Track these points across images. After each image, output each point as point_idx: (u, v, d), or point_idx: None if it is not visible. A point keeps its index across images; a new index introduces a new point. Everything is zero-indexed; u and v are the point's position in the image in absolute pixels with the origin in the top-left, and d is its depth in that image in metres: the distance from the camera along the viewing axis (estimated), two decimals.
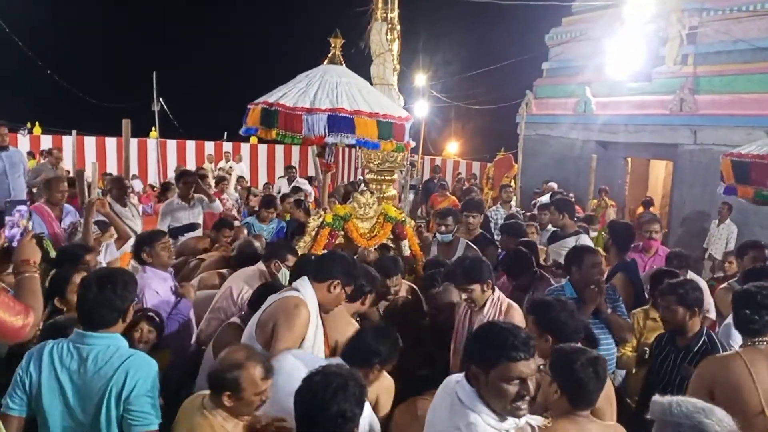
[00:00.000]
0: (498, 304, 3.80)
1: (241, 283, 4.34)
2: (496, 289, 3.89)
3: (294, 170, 13.04)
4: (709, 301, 5.31)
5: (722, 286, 5.44)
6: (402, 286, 4.62)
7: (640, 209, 13.33)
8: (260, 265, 4.59)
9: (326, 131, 4.69)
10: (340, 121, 4.70)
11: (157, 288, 4.19)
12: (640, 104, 13.34)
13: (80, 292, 2.72)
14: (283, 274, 4.46)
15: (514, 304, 3.90)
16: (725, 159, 6.23)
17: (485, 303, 3.78)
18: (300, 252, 4.89)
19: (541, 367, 2.73)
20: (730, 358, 3.14)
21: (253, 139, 21.12)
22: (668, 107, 12.67)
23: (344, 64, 5.34)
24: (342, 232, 5.11)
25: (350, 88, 4.92)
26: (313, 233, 5.05)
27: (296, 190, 9.30)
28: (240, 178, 14.51)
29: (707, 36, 12.46)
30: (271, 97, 4.86)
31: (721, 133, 11.82)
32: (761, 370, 3.00)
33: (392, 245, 5.51)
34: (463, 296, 3.79)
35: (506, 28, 19.46)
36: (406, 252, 5.47)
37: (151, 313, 3.79)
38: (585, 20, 15.16)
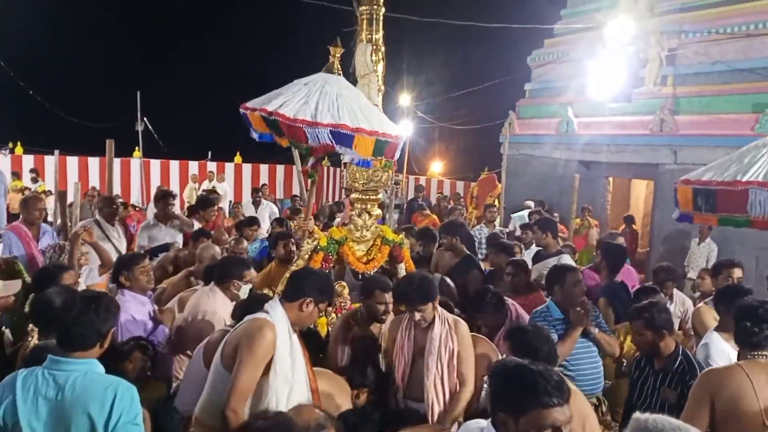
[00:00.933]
0: (446, 320, 3.79)
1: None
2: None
3: (260, 194, 12.63)
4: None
5: (698, 305, 5.48)
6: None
7: (622, 226, 13.46)
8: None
9: (333, 142, 4.63)
10: (342, 138, 4.64)
11: (134, 312, 4.13)
12: (621, 125, 13.51)
13: (61, 310, 2.69)
14: (244, 292, 4.36)
15: (460, 319, 3.90)
16: (684, 186, 6.09)
17: (434, 320, 3.76)
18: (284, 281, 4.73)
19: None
20: (731, 370, 3.11)
21: (237, 159, 21.16)
22: (649, 127, 12.85)
23: (342, 74, 5.28)
24: (335, 257, 4.96)
25: (350, 102, 4.83)
26: (306, 257, 4.90)
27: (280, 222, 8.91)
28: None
29: (686, 57, 12.68)
30: (270, 105, 4.73)
31: (700, 152, 11.97)
32: (761, 383, 2.99)
33: (387, 266, 5.40)
34: (417, 316, 3.74)
35: (489, 50, 19.69)
36: (402, 274, 5.28)
37: (143, 342, 3.75)
38: (567, 42, 15.38)
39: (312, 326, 4.09)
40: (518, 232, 8.78)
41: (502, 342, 3.66)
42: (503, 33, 14.54)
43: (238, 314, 3.71)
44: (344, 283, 5.19)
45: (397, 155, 5.17)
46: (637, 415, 2.05)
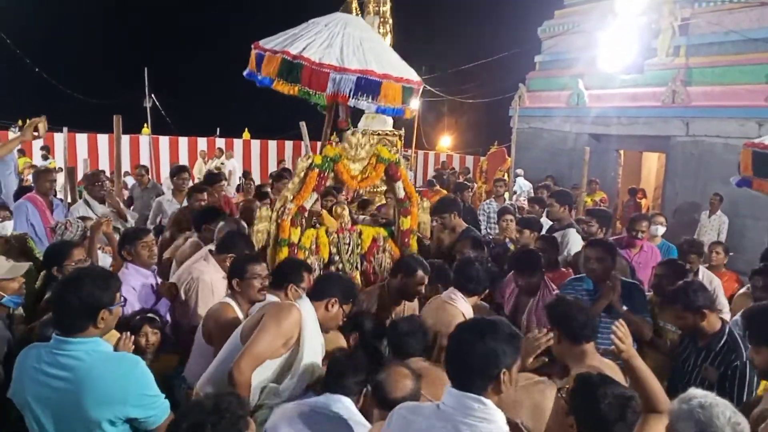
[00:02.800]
0: None
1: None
2: None
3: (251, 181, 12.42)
4: (722, 301, 5.27)
5: (739, 293, 5.35)
6: None
7: (626, 197, 13.41)
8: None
9: (351, 93, 4.55)
10: (368, 84, 4.56)
11: (134, 284, 4.12)
12: (633, 96, 13.35)
13: (51, 296, 2.64)
14: None
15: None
16: (746, 149, 5.90)
17: None
18: (286, 196, 4.70)
19: (561, 394, 2.52)
20: None
21: (246, 135, 21.15)
22: (660, 99, 12.69)
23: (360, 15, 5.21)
24: (332, 174, 4.83)
25: (374, 46, 4.74)
26: (302, 175, 4.75)
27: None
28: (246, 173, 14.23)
29: (699, 27, 12.46)
30: (292, 48, 4.60)
31: (713, 124, 11.84)
32: None
33: (385, 186, 5.32)
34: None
35: (499, 22, 19.47)
36: (401, 194, 5.21)
37: (150, 315, 3.76)
38: (577, 13, 15.15)
39: None
40: (523, 200, 8.70)
41: (541, 311, 3.64)
42: (513, 4, 14.37)
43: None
44: (344, 205, 5.20)
45: (416, 103, 5.19)
46: (684, 396, 1.98)
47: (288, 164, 16.61)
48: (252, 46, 5.07)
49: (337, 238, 4.88)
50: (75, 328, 2.48)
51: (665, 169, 13.34)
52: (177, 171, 7.45)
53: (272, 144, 20.58)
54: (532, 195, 9.98)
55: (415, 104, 5.27)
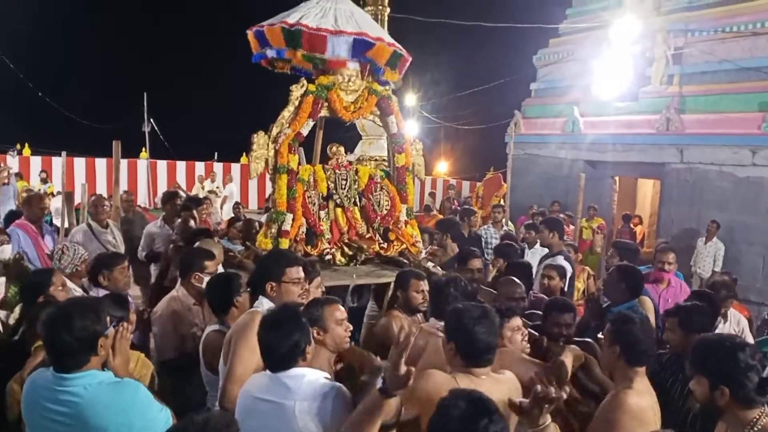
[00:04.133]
0: None
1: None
2: None
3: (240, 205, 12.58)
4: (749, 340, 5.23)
5: None
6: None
7: (621, 224, 13.46)
8: (175, 292, 4.19)
9: (349, 54, 4.70)
10: (364, 45, 4.74)
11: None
12: (628, 124, 13.47)
13: (41, 334, 2.53)
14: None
15: None
16: None
17: None
18: (282, 122, 4.73)
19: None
20: None
21: (244, 159, 21.19)
22: (655, 126, 12.81)
23: None
24: (326, 103, 4.90)
25: (365, 17, 4.97)
26: (297, 102, 4.81)
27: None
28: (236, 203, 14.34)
29: (692, 56, 12.64)
30: (289, 18, 4.78)
31: (707, 151, 11.95)
32: None
33: (379, 123, 5.32)
34: None
35: (494, 49, 19.69)
36: (393, 129, 5.24)
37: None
38: (572, 41, 15.34)
39: None
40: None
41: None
42: (508, 32, 14.55)
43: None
44: (339, 145, 5.24)
45: (403, 72, 5.32)
46: None
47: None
48: (247, 32, 5.21)
49: (334, 174, 4.96)
50: (76, 365, 2.44)
51: (660, 196, 13.42)
52: (168, 198, 7.47)
53: None
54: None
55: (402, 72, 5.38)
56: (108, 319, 2.57)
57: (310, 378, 2.66)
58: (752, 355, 2.51)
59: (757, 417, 2.45)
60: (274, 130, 4.72)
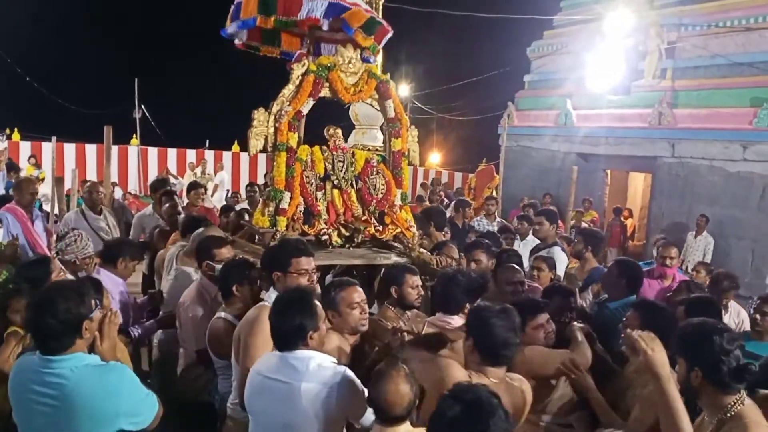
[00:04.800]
0: None
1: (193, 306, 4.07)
2: None
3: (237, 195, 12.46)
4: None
5: None
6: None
7: (611, 217, 13.53)
8: (197, 282, 4.22)
9: (323, 15, 4.66)
10: (338, 9, 4.70)
11: (109, 288, 4.02)
12: (620, 117, 13.51)
13: (26, 318, 2.55)
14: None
15: None
16: None
17: None
18: (282, 99, 4.74)
19: None
20: None
21: (236, 147, 21.09)
22: (647, 120, 12.85)
23: None
24: (327, 83, 4.91)
25: None
26: (298, 81, 4.82)
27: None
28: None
29: (685, 51, 12.67)
30: None
31: (698, 146, 12.00)
32: None
33: (377, 107, 5.33)
34: None
35: (488, 41, 19.66)
36: (391, 114, 5.25)
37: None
38: (566, 34, 15.34)
39: None
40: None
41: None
42: (503, 24, 14.54)
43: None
44: (336, 127, 5.21)
45: (382, 43, 5.25)
46: None
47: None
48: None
49: (332, 156, 4.97)
50: (61, 348, 2.45)
51: (651, 190, 13.49)
52: (158, 185, 7.43)
53: (262, 157, 20.57)
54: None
55: (381, 44, 5.29)
56: (93, 302, 2.58)
57: (318, 361, 2.69)
58: (729, 340, 2.52)
59: (732, 403, 2.46)
60: (275, 108, 4.71)
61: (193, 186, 7.63)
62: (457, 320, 3.59)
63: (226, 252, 4.15)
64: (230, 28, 5.09)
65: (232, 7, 5.09)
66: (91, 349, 2.59)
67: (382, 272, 4.35)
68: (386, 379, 2.51)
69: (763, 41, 11.44)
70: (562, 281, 5.55)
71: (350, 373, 2.71)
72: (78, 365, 2.44)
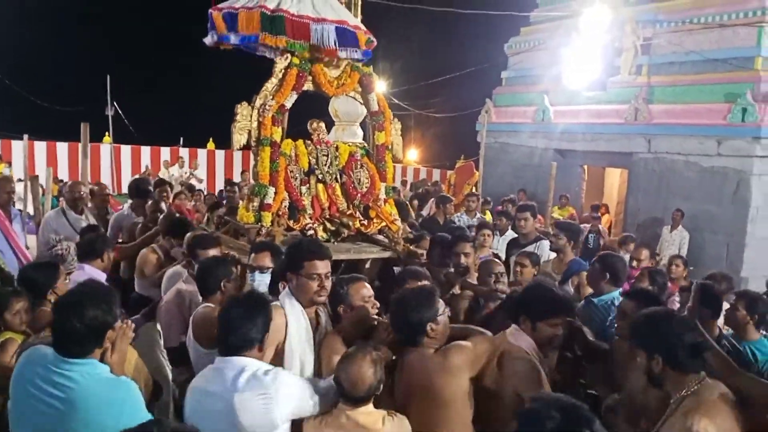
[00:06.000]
0: None
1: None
2: None
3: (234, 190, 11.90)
4: None
5: None
6: None
7: (589, 213, 13.61)
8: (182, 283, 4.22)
9: (336, 44, 4.68)
10: (347, 34, 4.72)
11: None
12: (597, 113, 13.61)
13: (53, 318, 2.50)
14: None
15: None
16: None
17: None
18: (266, 93, 4.70)
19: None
20: None
21: (210, 145, 20.91)
22: (623, 116, 12.96)
23: None
24: (310, 77, 4.91)
25: (334, 2, 4.94)
26: (281, 75, 4.79)
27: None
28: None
29: (661, 47, 12.80)
30: (267, 3, 4.73)
31: (674, 141, 12.13)
32: None
33: (360, 101, 5.35)
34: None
35: (466, 37, 19.70)
36: (374, 107, 5.28)
37: None
38: (543, 30, 15.41)
39: None
40: None
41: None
42: (480, 20, 14.55)
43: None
44: (319, 121, 5.20)
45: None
46: None
47: (251, 177, 16.46)
48: (210, 11, 5.08)
49: (316, 150, 4.96)
50: (81, 353, 2.42)
51: (627, 185, 13.61)
52: (141, 184, 7.26)
53: (237, 155, 20.41)
54: None
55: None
56: (119, 311, 2.57)
57: (252, 370, 2.63)
58: (682, 324, 2.66)
59: (692, 382, 2.56)
60: (258, 102, 4.68)
61: (158, 184, 7.54)
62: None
63: (213, 253, 4.09)
64: (232, 38, 4.97)
65: (218, 12, 4.95)
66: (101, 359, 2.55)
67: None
68: (351, 361, 2.69)
69: (736, 38, 11.58)
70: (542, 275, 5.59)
71: (285, 376, 2.68)
72: (90, 372, 2.41)
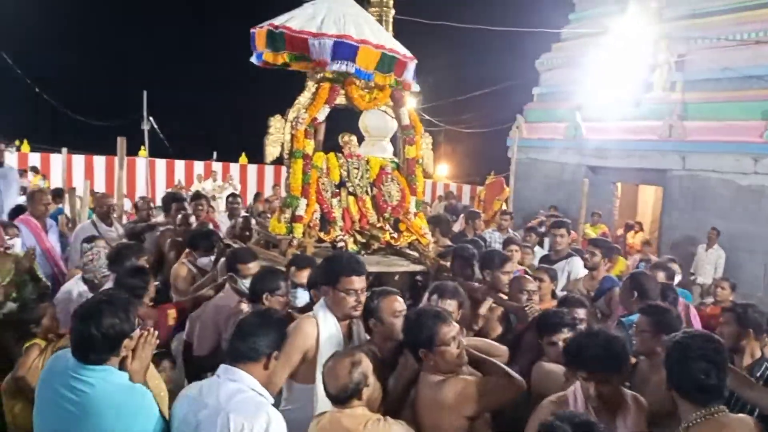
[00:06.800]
0: None
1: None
2: None
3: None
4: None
5: None
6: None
7: (620, 231, 13.43)
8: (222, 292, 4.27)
9: (330, 57, 4.65)
10: (346, 49, 4.67)
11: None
12: (630, 129, 13.46)
13: (72, 326, 2.54)
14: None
15: None
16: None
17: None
18: (299, 107, 4.72)
19: None
20: None
21: (243, 159, 21.15)
22: (657, 133, 12.80)
23: None
24: (342, 91, 4.93)
25: (357, 19, 4.91)
26: (314, 88, 4.83)
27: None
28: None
29: (695, 64, 12.64)
30: (276, 21, 4.83)
31: (710, 159, 11.94)
32: None
33: (391, 115, 5.36)
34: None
35: (497, 54, 19.66)
36: (405, 121, 5.28)
37: (164, 350, 3.67)
38: (574, 46, 15.34)
39: None
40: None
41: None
42: (511, 36, 14.52)
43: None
44: (351, 134, 5.23)
45: (409, 77, 5.21)
46: None
47: (282, 190, 16.63)
48: (251, 30, 5.20)
49: (347, 163, 5.00)
50: (97, 360, 2.45)
51: (662, 203, 13.41)
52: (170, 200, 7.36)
53: (269, 169, 20.61)
54: None
55: (409, 76, 5.27)
56: (137, 320, 2.61)
57: (251, 392, 2.51)
58: (698, 354, 2.52)
59: (700, 415, 2.48)
60: (291, 115, 4.73)
61: (194, 197, 7.62)
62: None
63: (252, 266, 4.12)
64: (252, 58, 5.16)
65: (252, 31, 5.10)
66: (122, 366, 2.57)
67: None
68: (332, 359, 2.78)
69: None
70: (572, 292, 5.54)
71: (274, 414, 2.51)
72: (106, 379, 2.45)
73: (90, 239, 5.25)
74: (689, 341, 2.57)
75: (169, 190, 16.74)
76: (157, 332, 2.73)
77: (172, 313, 4.22)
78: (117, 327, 2.46)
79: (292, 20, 4.79)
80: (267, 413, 2.43)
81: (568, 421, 2.10)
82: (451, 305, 3.59)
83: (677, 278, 5.83)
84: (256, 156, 21.25)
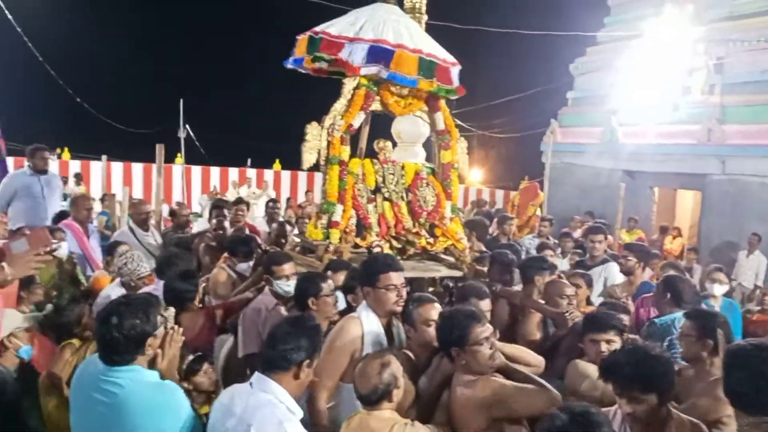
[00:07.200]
0: None
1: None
2: None
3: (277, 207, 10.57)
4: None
5: None
6: None
7: (656, 235, 13.20)
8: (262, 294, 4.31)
9: (363, 62, 4.67)
10: (380, 53, 4.68)
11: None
12: (667, 133, 13.26)
13: (95, 330, 2.61)
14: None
15: None
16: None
17: None
18: (335, 114, 4.76)
19: None
20: None
21: (277, 166, 21.34)
22: (696, 137, 12.59)
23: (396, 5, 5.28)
24: (378, 97, 4.91)
25: (398, 25, 4.90)
26: (349, 95, 4.82)
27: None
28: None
29: (734, 66, 12.41)
30: (318, 27, 4.88)
31: (749, 162, 11.71)
32: None
33: (426, 120, 5.34)
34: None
35: (531, 58, 19.54)
36: (441, 126, 5.26)
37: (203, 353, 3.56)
38: (610, 50, 15.18)
39: None
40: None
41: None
42: (545, 40, 14.44)
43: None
44: (386, 140, 5.25)
45: (455, 81, 5.18)
46: None
47: (316, 196, 16.72)
48: (297, 37, 5.25)
49: (382, 168, 5.03)
50: (123, 361, 2.50)
51: (701, 208, 13.16)
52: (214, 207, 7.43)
53: (302, 175, 20.76)
54: None
55: (456, 81, 5.25)
56: (159, 318, 2.62)
57: (281, 406, 2.45)
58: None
59: (746, 422, 2.45)
60: (327, 122, 4.76)
61: (236, 203, 7.67)
62: None
63: (287, 268, 4.16)
64: (288, 63, 5.20)
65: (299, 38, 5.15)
66: (152, 365, 2.63)
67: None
68: (364, 359, 2.80)
69: None
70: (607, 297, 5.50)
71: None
72: (135, 378, 2.49)
73: (114, 245, 5.44)
74: (753, 350, 2.50)
75: (204, 195, 16.99)
76: (181, 329, 2.78)
77: (219, 313, 4.29)
78: (138, 327, 2.50)
79: (333, 26, 4.84)
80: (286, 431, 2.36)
81: (567, 411, 2.16)
82: (485, 305, 3.66)
83: (725, 288, 5.71)
84: (290, 163, 21.46)
